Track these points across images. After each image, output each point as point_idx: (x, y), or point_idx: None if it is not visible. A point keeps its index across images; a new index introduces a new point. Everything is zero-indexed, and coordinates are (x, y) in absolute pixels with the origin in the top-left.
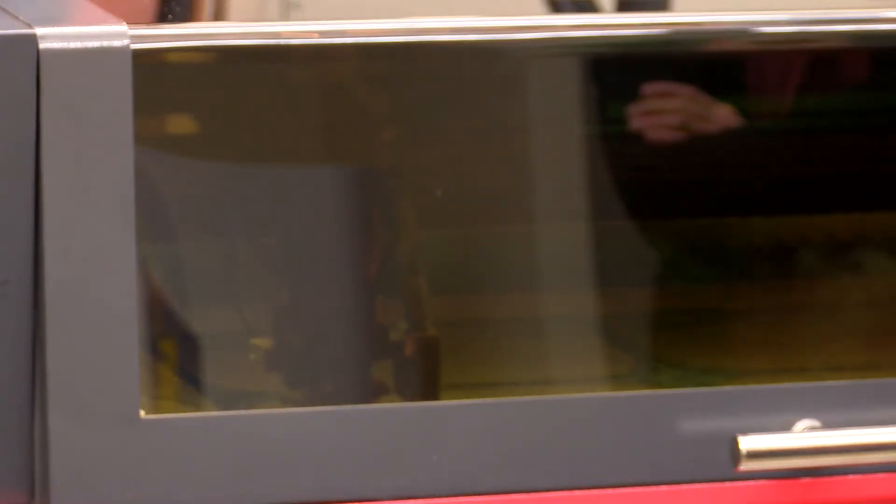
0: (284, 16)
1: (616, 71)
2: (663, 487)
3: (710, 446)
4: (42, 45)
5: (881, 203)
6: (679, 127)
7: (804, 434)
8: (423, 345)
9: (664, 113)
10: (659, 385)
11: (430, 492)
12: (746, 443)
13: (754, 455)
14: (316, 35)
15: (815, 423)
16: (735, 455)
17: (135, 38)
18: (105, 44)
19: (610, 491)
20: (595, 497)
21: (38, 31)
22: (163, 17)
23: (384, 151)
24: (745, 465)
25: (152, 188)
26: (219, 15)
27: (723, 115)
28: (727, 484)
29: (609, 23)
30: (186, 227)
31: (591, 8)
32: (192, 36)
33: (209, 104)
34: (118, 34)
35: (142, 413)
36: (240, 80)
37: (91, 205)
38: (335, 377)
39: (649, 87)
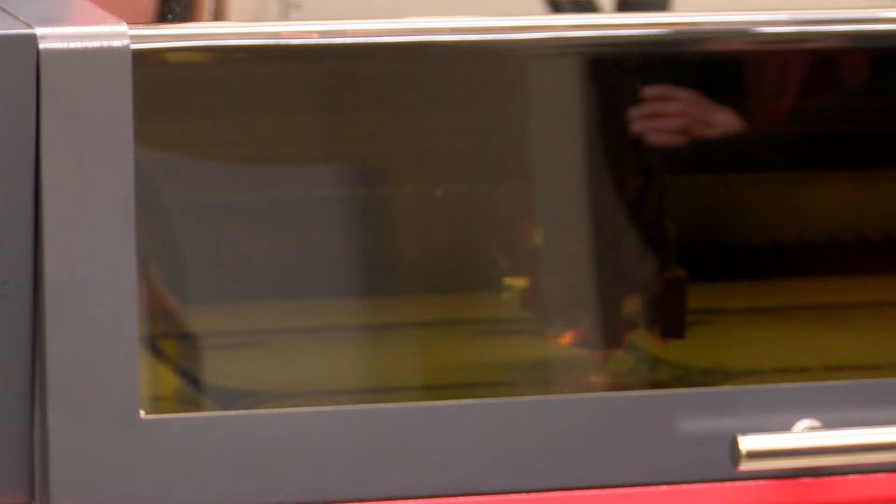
0: (284, 16)
1: (616, 71)
2: (663, 487)
3: (710, 446)
4: (42, 45)
5: (880, 204)
6: (679, 130)
7: (804, 434)
8: (671, 283)
9: (665, 116)
10: (659, 385)
11: (430, 492)
12: (746, 443)
13: (754, 455)
14: (316, 35)
15: (815, 423)
16: (735, 455)
17: (135, 38)
18: (105, 44)
19: (610, 491)
20: (595, 497)
21: (38, 31)
22: (163, 17)
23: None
24: (745, 465)
25: (152, 188)
26: (219, 15)
27: (723, 119)
28: (727, 484)
29: (609, 23)
30: (186, 226)
31: (591, 8)
32: (192, 36)
33: (209, 104)
34: (118, 34)
35: (142, 413)
36: (240, 80)
37: (91, 205)
38: (587, 315)
39: (650, 91)
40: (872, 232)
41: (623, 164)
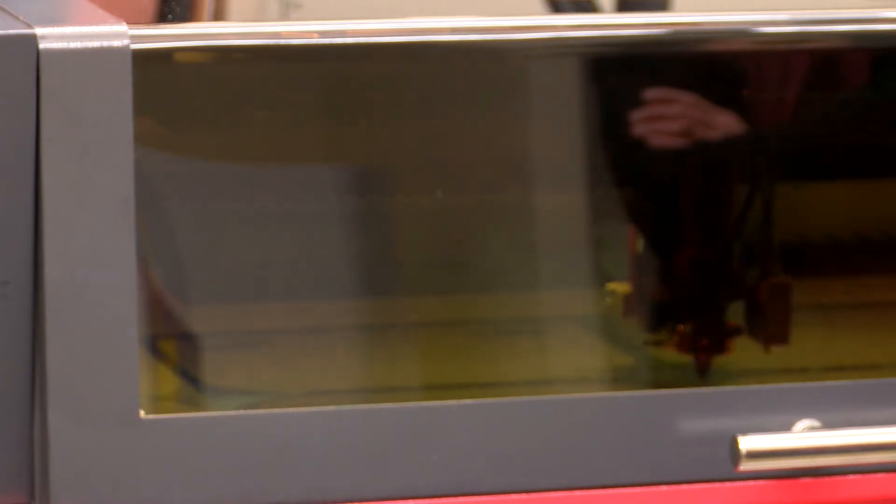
0: (284, 16)
1: (616, 71)
2: (663, 487)
3: (710, 446)
4: (42, 45)
5: (879, 206)
6: (680, 132)
7: (804, 434)
8: (775, 290)
9: (665, 118)
10: (659, 385)
11: (430, 492)
12: (746, 443)
13: (754, 455)
14: (316, 35)
15: (815, 423)
16: (735, 455)
17: (135, 38)
18: (105, 44)
19: (610, 491)
20: (595, 497)
21: (38, 31)
22: (163, 17)
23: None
24: (745, 465)
25: (152, 188)
26: (219, 15)
27: (723, 121)
28: (727, 484)
29: (609, 23)
30: (186, 226)
31: (591, 8)
32: (192, 36)
33: (209, 104)
34: (118, 34)
35: (142, 413)
36: (240, 80)
37: (91, 205)
38: (689, 320)
39: (651, 93)
40: (872, 232)
41: (622, 164)
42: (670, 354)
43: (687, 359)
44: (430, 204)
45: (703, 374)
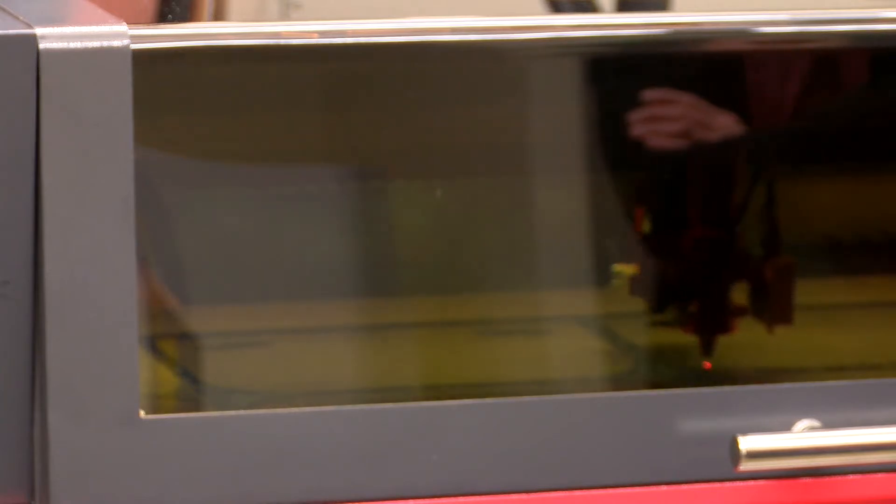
0: (284, 16)
1: (616, 70)
2: (663, 487)
3: (710, 446)
4: (42, 45)
5: (879, 204)
6: (679, 133)
7: (804, 434)
8: (779, 269)
9: (665, 119)
10: (659, 385)
11: (430, 492)
12: (746, 443)
13: (754, 455)
14: (316, 35)
15: (815, 423)
16: (735, 455)
17: (135, 38)
18: (105, 44)
19: (610, 491)
20: (595, 497)
21: (38, 31)
22: (163, 17)
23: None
24: (745, 465)
25: (152, 188)
26: (219, 15)
27: (723, 122)
28: (727, 484)
29: (609, 23)
30: (186, 226)
31: (591, 8)
32: (192, 36)
33: (209, 104)
34: (118, 34)
35: (142, 413)
36: (240, 80)
37: (91, 205)
38: (695, 300)
39: (650, 94)
40: (872, 232)
41: (620, 163)
42: (672, 341)
43: (688, 357)
44: (431, 203)
45: (707, 354)
